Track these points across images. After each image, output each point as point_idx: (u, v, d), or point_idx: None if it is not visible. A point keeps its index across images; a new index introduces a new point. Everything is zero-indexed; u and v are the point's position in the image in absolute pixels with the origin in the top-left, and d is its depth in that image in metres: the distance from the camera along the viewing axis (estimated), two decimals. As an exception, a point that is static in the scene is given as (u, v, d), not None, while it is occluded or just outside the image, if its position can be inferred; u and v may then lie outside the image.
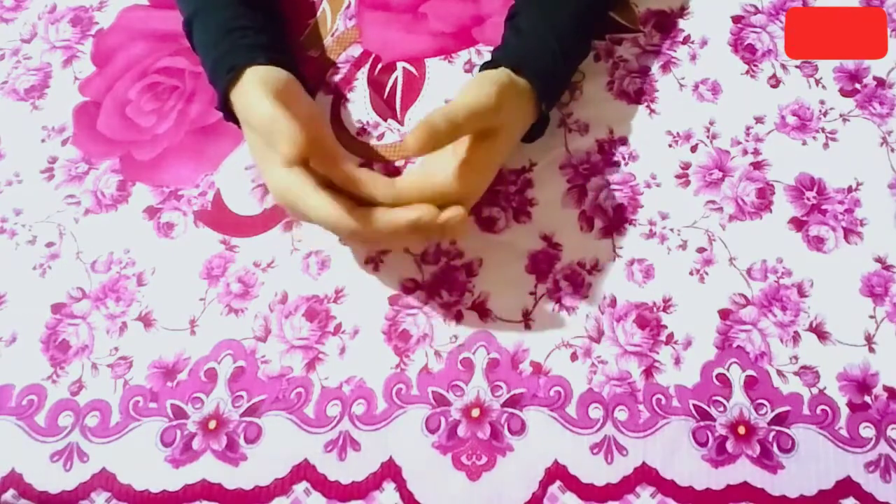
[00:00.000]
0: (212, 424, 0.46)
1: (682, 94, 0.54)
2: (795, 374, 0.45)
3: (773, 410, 0.44)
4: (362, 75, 0.56)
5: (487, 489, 0.43)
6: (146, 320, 0.49)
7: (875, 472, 0.42)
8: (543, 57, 0.49)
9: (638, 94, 0.54)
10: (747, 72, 0.54)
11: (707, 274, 0.48)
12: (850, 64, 0.54)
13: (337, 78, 0.57)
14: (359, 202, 0.44)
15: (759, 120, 0.52)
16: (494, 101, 0.44)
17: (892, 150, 0.51)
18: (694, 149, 0.52)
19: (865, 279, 0.47)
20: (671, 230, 0.49)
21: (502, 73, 0.47)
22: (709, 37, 0.56)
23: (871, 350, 0.45)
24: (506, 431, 0.45)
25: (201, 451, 0.45)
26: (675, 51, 0.55)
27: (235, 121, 0.50)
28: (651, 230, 0.50)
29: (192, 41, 0.53)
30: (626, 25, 0.57)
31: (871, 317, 0.46)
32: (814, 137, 0.52)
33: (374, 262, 0.50)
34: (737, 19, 0.56)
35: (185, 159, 0.54)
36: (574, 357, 0.46)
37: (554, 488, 0.43)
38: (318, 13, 0.59)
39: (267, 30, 0.52)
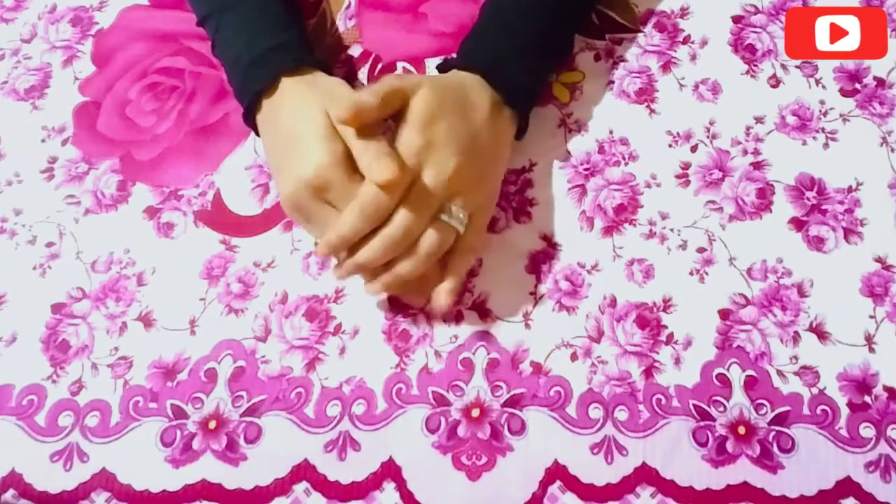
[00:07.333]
0: (212, 424, 0.46)
1: (682, 94, 0.54)
2: (795, 374, 0.45)
3: (773, 410, 0.44)
4: (362, 75, 0.56)
5: (487, 489, 0.43)
6: (146, 320, 0.49)
7: (875, 472, 0.42)
8: (491, 50, 0.49)
9: (638, 94, 0.54)
10: (747, 72, 0.54)
11: (707, 274, 0.48)
12: (850, 64, 0.54)
13: (337, 78, 0.57)
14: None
15: (759, 120, 0.52)
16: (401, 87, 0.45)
17: (892, 150, 0.51)
18: (694, 149, 0.52)
19: (865, 279, 0.47)
20: (671, 230, 0.49)
21: (449, 76, 0.48)
22: (709, 37, 0.56)
23: (871, 350, 0.45)
24: (506, 431, 0.45)
25: (201, 451, 0.45)
26: (675, 51, 0.55)
27: (253, 123, 0.50)
28: (651, 230, 0.50)
29: (215, 36, 0.52)
30: (626, 25, 0.57)
31: (871, 317, 0.46)
32: (814, 137, 0.52)
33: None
34: (737, 19, 0.56)
35: (185, 159, 0.54)
36: (574, 357, 0.46)
37: (554, 488, 0.43)
38: (318, 13, 0.59)
39: (296, 25, 0.51)
